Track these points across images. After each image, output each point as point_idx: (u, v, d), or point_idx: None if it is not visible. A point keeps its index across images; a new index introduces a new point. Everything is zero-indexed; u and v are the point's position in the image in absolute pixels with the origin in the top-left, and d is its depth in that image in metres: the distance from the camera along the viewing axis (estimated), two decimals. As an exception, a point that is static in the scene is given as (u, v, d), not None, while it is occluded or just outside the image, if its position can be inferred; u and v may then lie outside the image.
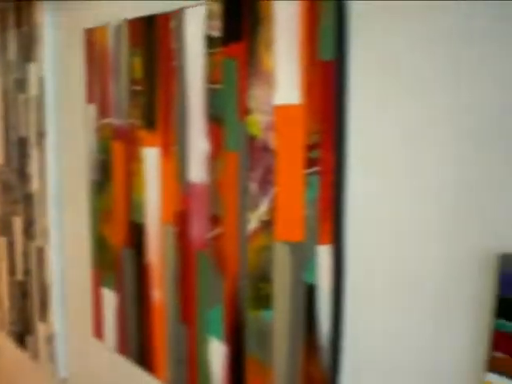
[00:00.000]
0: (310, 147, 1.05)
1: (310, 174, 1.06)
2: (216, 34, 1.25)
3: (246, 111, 1.18)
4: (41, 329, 2.21)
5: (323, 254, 1.06)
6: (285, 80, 1.09)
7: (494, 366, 0.88)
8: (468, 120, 0.87)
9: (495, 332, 0.87)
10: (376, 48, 0.97)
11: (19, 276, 2.35)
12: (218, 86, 1.25)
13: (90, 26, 1.72)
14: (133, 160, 1.55)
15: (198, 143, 1.32)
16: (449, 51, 0.88)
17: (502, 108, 0.84)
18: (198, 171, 1.33)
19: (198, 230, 1.35)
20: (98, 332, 1.84)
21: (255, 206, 1.18)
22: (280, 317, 1.16)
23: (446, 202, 0.91)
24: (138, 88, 1.50)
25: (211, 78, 1.27)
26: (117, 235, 1.66)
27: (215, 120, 1.27)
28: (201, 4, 1.28)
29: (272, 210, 1.14)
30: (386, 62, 0.96)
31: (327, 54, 1.01)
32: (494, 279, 0.87)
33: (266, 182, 1.15)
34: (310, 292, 1.09)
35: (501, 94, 0.84)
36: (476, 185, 0.87)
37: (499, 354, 0.87)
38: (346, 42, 1.00)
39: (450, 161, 0.90)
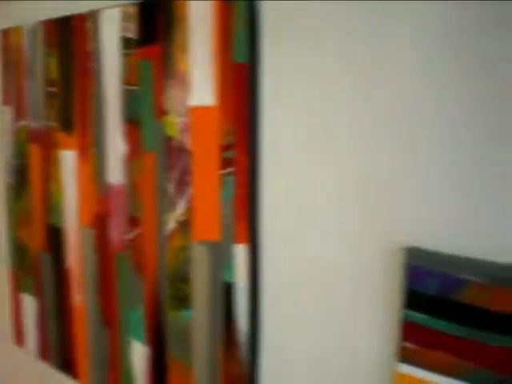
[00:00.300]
0: (225, 148, 1.04)
1: (225, 174, 1.05)
2: (132, 35, 1.22)
3: (162, 112, 1.16)
4: (-41, 337, 2.11)
5: (240, 253, 1.05)
6: (199, 82, 1.07)
7: (404, 357, 0.89)
8: (370, 122, 0.88)
9: (404, 323, 0.88)
10: (288, 51, 0.96)
11: None
12: (134, 88, 1.22)
13: (4, 27, 1.65)
14: (50, 163, 1.50)
15: (116, 145, 1.28)
16: (353, 53, 0.89)
17: (403, 109, 0.85)
18: (116, 173, 1.30)
19: (117, 231, 1.32)
20: (19, 339, 1.77)
21: (173, 207, 1.16)
22: (199, 316, 1.14)
23: (356, 202, 0.91)
24: (54, 90, 1.44)
25: (128, 79, 1.24)
26: (35, 240, 1.60)
27: (132, 121, 1.23)
28: (116, 6, 1.24)
29: (189, 211, 1.12)
30: (297, 64, 0.95)
31: (240, 56, 1.00)
32: (402, 272, 0.88)
33: (183, 183, 1.13)
34: (228, 290, 1.08)
35: (403, 95, 0.85)
36: (382, 183, 0.88)
37: (409, 345, 0.88)
38: (258, 45, 0.99)
39: (355, 162, 0.91)
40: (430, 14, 0.81)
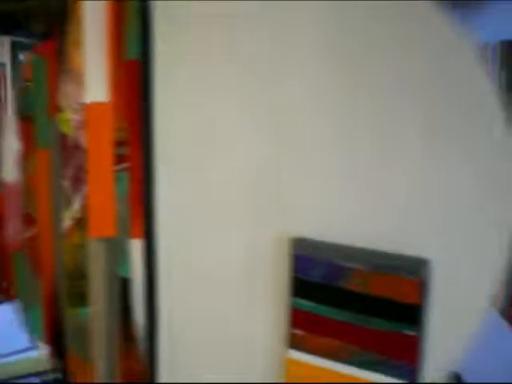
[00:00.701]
0: (119, 144, 1.03)
1: (120, 170, 1.04)
2: (26, 31, 1.18)
3: (56, 109, 1.13)
4: None
5: (136, 248, 1.04)
6: (93, 78, 1.06)
7: (293, 343, 0.91)
8: (261, 118, 0.90)
9: (293, 311, 0.90)
10: (180, 48, 0.97)
11: None
12: (28, 84, 1.19)
13: None
14: None
15: (10, 142, 1.25)
16: (244, 51, 0.90)
17: (292, 106, 0.88)
18: (11, 171, 1.26)
19: (14, 230, 1.28)
20: None
21: (69, 204, 1.14)
22: (97, 313, 1.13)
23: (247, 196, 0.93)
24: None
25: (22, 76, 1.21)
26: None
27: (26, 118, 1.20)
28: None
29: (85, 208, 1.11)
30: (189, 62, 0.96)
31: (132, 53, 0.99)
32: (289, 261, 0.90)
33: (79, 180, 1.11)
34: (125, 286, 1.07)
35: (294, 92, 0.88)
36: (272, 178, 0.91)
37: (297, 331, 0.91)
38: (151, 42, 0.99)
39: (245, 157, 0.92)
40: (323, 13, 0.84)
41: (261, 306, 0.95)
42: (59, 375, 1.33)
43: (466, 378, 1.59)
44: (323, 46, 0.85)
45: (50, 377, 1.46)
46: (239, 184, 0.94)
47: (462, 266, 0.85)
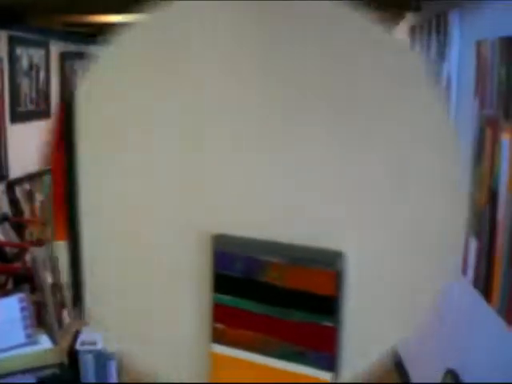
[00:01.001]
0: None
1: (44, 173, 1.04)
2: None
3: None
4: None
5: (61, 251, 1.04)
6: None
7: (216, 337, 0.93)
8: (184, 116, 0.92)
9: (214, 306, 0.92)
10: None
11: None
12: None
13: None
14: None
15: None
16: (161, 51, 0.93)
17: (219, 106, 0.90)
18: None
19: None
20: None
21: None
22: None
23: (168, 193, 0.95)
24: None
25: None
26: None
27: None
28: None
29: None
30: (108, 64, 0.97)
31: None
32: (211, 257, 0.92)
33: (2, 184, 1.10)
34: (53, 289, 1.07)
35: (218, 91, 0.90)
36: (191, 175, 0.93)
37: (219, 326, 0.92)
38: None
39: (169, 157, 0.94)
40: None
41: (184, 303, 0.96)
42: (57, 370, 1.30)
43: (465, 377, 1.61)
44: (243, 45, 0.88)
45: (48, 372, 1.42)
46: (161, 184, 0.95)
47: (377, 258, 0.88)
